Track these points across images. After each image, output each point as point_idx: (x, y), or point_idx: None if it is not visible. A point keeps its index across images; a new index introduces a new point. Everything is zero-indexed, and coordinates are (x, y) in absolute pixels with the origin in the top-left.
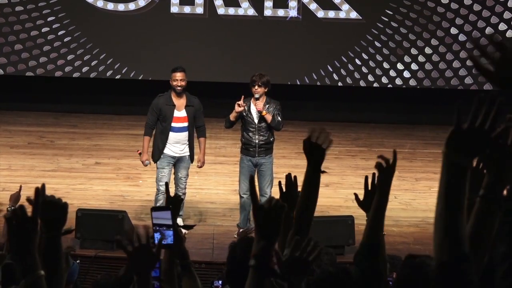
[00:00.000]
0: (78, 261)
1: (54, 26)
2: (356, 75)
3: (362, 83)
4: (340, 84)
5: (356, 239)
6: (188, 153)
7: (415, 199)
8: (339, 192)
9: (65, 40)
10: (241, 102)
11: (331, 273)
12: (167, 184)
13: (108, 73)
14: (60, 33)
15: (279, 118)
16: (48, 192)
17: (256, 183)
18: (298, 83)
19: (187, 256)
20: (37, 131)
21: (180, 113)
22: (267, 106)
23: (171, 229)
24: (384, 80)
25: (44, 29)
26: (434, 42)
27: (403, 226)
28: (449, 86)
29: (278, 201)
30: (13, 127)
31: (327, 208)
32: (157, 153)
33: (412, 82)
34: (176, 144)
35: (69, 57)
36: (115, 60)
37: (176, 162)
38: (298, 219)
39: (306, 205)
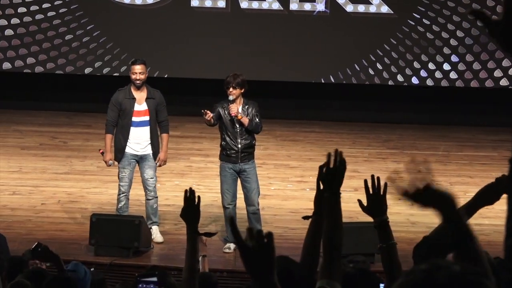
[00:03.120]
0: (92, 269)
1: (71, 26)
2: (386, 74)
3: (391, 82)
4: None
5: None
6: (151, 151)
7: None
8: None
9: (84, 40)
10: (207, 115)
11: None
12: (193, 192)
13: (123, 69)
14: (78, 32)
15: (257, 120)
16: (61, 195)
17: (241, 194)
18: (323, 81)
19: None
20: (49, 132)
21: (140, 106)
22: (246, 107)
23: None
24: (415, 79)
25: (61, 29)
26: (468, 41)
27: None
28: (484, 86)
29: (261, 235)
30: (24, 127)
31: (356, 213)
32: (118, 153)
33: (445, 82)
34: (138, 141)
35: (87, 56)
36: (131, 56)
37: (140, 161)
38: (326, 250)
39: (333, 233)
